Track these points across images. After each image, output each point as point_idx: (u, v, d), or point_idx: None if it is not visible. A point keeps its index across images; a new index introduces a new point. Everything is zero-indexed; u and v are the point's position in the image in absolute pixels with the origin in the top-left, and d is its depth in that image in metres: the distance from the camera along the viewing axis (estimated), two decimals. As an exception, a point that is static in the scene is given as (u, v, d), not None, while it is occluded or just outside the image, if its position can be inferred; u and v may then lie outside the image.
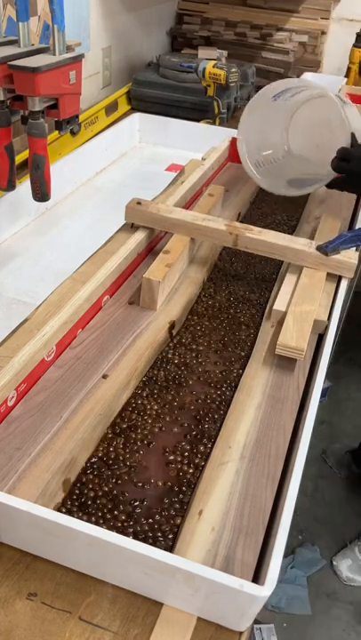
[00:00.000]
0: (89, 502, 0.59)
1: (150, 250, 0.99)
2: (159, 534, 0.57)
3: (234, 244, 0.90)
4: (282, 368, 0.77)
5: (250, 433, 0.68)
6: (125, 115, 1.61)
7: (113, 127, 1.48)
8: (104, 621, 0.51)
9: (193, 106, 1.62)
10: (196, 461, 0.65)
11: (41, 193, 0.95)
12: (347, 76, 1.93)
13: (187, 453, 0.65)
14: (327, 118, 1.03)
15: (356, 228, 1.13)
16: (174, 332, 0.83)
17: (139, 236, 0.94)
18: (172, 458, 0.65)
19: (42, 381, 0.72)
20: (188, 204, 1.08)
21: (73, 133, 1.35)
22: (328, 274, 0.88)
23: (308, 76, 1.97)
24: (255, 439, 0.67)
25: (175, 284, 0.90)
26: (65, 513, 0.57)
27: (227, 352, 0.80)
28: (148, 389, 0.73)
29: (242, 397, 0.72)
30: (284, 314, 0.81)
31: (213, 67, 1.49)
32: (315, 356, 0.80)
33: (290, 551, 1.63)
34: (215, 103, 1.54)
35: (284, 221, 1.14)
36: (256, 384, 0.74)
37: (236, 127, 1.12)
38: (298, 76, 1.94)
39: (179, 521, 0.58)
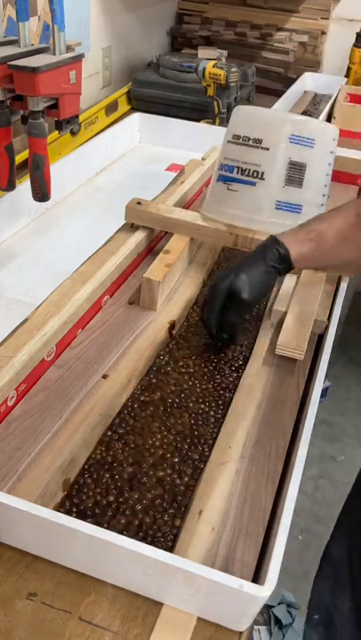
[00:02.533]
0: (89, 503, 0.59)
1: (150, 250, 0.99)
2: (159, 534, 0.57)
3: (234, 244, 0.90)
4: (282, 368, 0.77)
5: (250, 433, 0.68)
6: (125, 115, 1.60)
7: (113, 127, 1.48)
8: (104, 621, 0.51)
9: (193, 106, 1.62)
10: (196, 462, 0.65)
11: (41, 193, 0.95)
12: (347, 75, 1.93)
13: (186, 454, 0.65)
14: None
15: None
16: (174, 331, 0.83)
17: (139, 236, 0.94)
18: (170, 457, 0.65)
19: (42, 381, 0.72)
20: (188, 204, 1.08)
21: (73, 133, 1.35)
22: (328, 274, 0.88)
23: (308, 76, 1.97)
24: (255, 439, 0.67)
25: (175, 284, 0.90)
26: (64, 513, 0.57)
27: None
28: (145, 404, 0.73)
29: (242, 397, 0.72)
30: (284, 314, 0.81)
31: (213, 67, 1.49)
32: (315, 355, 0.80)
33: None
34: (215, 103, 1.54)
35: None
36: (256, 384, 0.74)
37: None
38: (298, 76, 1.94)
39: (178, 522, 0.58)
